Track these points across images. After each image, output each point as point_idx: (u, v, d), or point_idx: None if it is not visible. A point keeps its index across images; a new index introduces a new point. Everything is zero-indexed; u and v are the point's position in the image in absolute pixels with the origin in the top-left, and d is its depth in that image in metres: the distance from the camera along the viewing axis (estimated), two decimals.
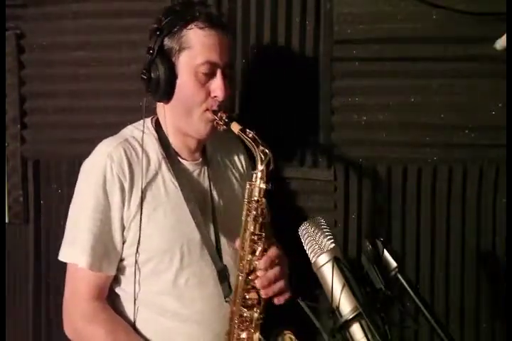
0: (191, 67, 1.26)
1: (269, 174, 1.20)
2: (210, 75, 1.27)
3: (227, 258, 1.33)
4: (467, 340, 1.63)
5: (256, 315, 1.24)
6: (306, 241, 1.01)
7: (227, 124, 1.25)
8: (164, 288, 1.29)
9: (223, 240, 1.34)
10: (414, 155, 1.62)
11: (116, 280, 1.33)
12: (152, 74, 1.26)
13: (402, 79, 1.60)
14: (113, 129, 1.41)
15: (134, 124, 1.39)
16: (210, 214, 1.35)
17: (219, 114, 1.27)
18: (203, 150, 1.42)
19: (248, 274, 1.23)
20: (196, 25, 1.25)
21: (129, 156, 1.29)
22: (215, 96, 1.28)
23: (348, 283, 0.92)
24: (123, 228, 1.27)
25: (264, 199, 1.21)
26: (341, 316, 0.91)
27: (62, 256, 1.30)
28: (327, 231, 1.00)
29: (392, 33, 1.56)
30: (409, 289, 0.91)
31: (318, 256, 0.96)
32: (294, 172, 1.67)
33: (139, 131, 1.34)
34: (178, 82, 1.27)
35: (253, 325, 1.25)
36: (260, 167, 1.19)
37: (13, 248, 1.87)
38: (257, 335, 1.25)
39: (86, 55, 1.74)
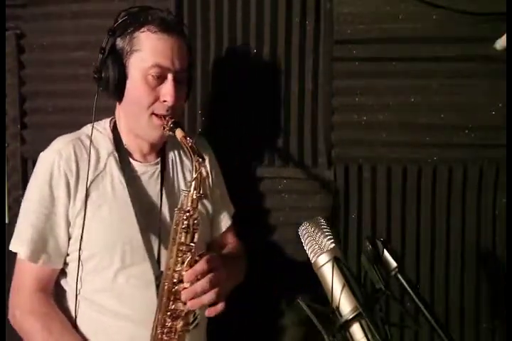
0: (141, 70, 1.25)
1: (201, 184, 1.19)
2: (161, 79, 1.26)
3: None
4: (467, 340, 1.63)
5: (179, 326, 1.21)
6: (306, 241, 1.01)
7: (172, 130, 1.24)
8: (105, 286, 1.28)
9: (166, 246, 1.28)
10: (414, 155, 1.62)
11: (63, 275, 1.34)
12: (103, 74, 1.27)
13: (402, 79, 1.60)
14: None
15: (93, 123, 1.38)
16: (156, 217, 1.33)
17: (166, 118, 1.26)
18: (162, 150, 1.41)
19: (175, 284, 1.20)
20: (149, 29, 1.25)
21: (78, 153, 1.30)
22: (165, 101, 1.27)
23: (348, 283, 0.92)
24: (68, 224, 1.29)
25: (196, 210, 1.19)
26: (341, 316, 0.91)
27: (11, 245, 1.31)
28: (327, 231, 1.00)
29: (392, 33, 1.56)
30: (409, 289, 0.91)
31: (318, 256, 0.96)
32: (294, 172, 1.67)
33: (95, 130, 1.35)
34: (128, 83, 1.27)
35: (176, 336, 1.22)
36: (194, 175, 1.19)
37: None
38: None
39: (86, 55, 1.74)
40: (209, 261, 1.19)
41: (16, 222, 1.33)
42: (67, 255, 1.31)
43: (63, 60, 1.77)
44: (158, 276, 1.26)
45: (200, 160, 1.18)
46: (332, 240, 0.97)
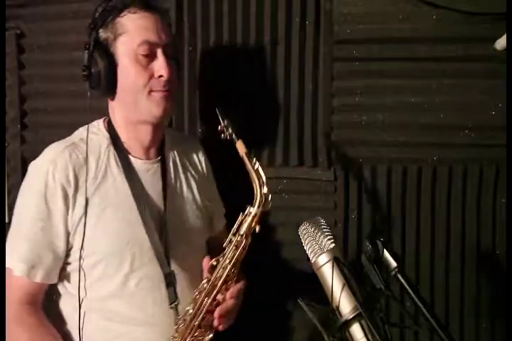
0: (130, 51, 1.24)
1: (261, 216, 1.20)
2: (151, 56, 1.25)
3: (177, 263, 1.30)
4: (467, 340, 1.63)
5: (207, 338, 1.25)
6: (306, 241, 1.01)
7: (234, 142, 1.24)
8: (114, 292, 1.25)
9: (173, 244, 1.30)
10: (414, 155, 1.62)
11: (65, 286, 1.29)
12: (93, 69, 1.24)
13: (402, 79, 1.60)
14: None
15: (84, 126, 1.34)
16: (160, 215, 1.31)
17: (226, 133, 1.26)
18: (161, 148, 1.39)
19: (213, 298, 1.23)
20: (128, 12, 1.24)
21: (75, 161, 1.25)
22: (160, 76, 1.25)
23: (348, 283, 0.92)
24: (67, 234, 1.24)
25: (248, 239, 1.21)
26: (341, 316, 0.91)
27: (6, 261, 1.25)
28: (327, 231, 1.00)
29: (392, 33, 1.56)
30: (409, 289, 0.91)
31: (318, 256, 0.96)
32: (294, 172, 1.67)
33: (90, 133, 1.29)
34: (119, 69, 1.25)
35: None
36: (256, 208, 1.19)
37: None
38: None
39: None
40: (244, 282, 1.28)
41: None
42: (69, 264, 1.27)
43: (63, 60, 1.77)
44: (168, 275, 1.26)
45: (268, 194, 1.19)
46: (332, 240, 0.97)
